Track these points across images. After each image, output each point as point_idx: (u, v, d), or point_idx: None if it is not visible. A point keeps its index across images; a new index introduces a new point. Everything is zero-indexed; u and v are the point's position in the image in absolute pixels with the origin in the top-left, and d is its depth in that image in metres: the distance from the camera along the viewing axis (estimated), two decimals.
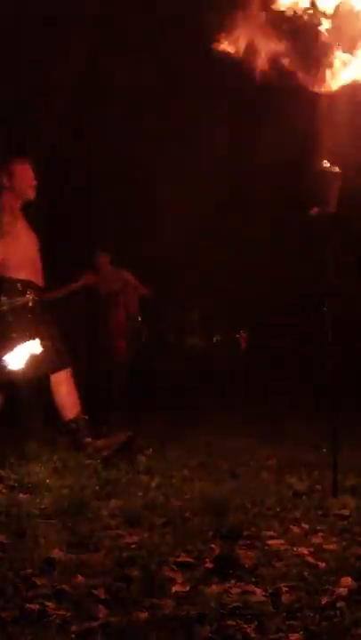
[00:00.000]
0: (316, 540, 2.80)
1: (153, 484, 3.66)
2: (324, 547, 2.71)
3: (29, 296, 4.72)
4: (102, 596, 2.21)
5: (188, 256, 9.91)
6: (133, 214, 10.30)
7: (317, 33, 3.96)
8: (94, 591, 2.24)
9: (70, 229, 9.56)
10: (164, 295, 10.02)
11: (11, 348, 4.48)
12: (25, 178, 4.80)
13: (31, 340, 4.51)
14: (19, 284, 4.70)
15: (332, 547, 2.71)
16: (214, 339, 11.67)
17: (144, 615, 2.08)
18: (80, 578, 2.37)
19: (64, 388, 4.75)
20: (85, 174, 10.08)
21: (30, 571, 2.42)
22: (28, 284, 4.74)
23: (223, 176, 10.49)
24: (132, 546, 2.71)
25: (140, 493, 3.50)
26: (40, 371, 4.64)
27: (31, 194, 4.83)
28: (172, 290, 10.74)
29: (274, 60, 4.06)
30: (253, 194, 10.66)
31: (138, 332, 8.06)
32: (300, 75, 4.04)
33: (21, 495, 3.53)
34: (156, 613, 2.09)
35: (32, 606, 2.15)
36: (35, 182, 4.83)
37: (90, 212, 10.16)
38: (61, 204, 9.60)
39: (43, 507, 3.26)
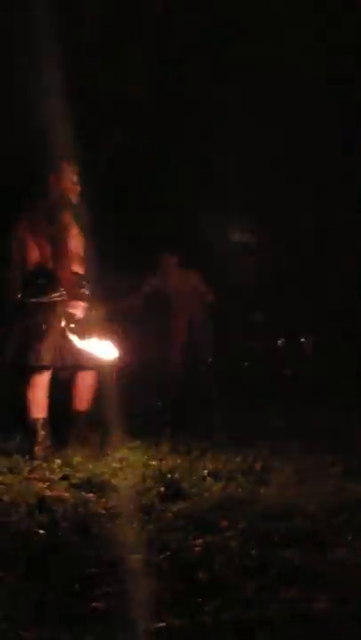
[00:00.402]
0: None
1: (217, 487, 3.65)
2: None
3: (84, 290, 4.89)
4: (167, 598, 2.22)
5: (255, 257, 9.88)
6: (200, 214, 10.34)
7: None
8: (159, 592, 2.26)
9: (140, 231, 9.69)
10: (227, 296, 10.11)
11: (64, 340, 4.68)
12: (68, 181, 4.99)
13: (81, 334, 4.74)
14: (77, 278, 4.87)
15: None
16: (279, 342, 11.59)
17: (208, 619, 2.08)
18: (145, 579, 2.39)
19: (86, 382, 4.93)
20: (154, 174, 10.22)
21: (96, 570, 2.45)
22: (83, 278, 4.90)
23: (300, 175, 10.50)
24: (197, 549, 2.71)
25: (206, 495, 3.50)
26: (70, 366, 4.81)
27: (74, 197, 5.02)
28: (237, 291, 10.77)
29: None
30: (331, 194, 10.60)
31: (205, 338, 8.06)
32: None
33: (88, 494, 3.58)
34: (220, 617, 2.09)
35: (98, 605, 2.17)
36: (78, 187, 5.02)
37: (160, 214, 10.27)
38: (130, 206, 9.75)
39: (109, 507, 3.30)
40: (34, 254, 4.84)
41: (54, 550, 2.66)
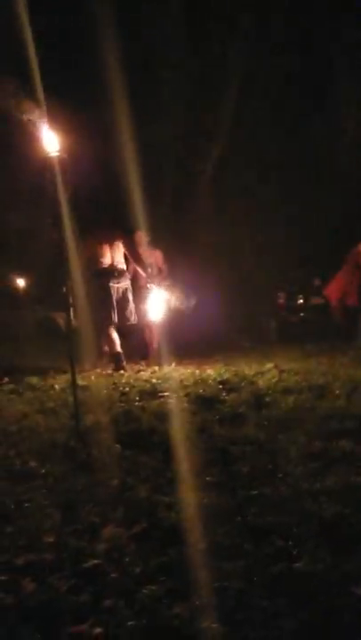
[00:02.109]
0: None
1: (290, 399, 3.98)
2: None
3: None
4: (252, 472, 2.61)
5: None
6: None
7: None
8: (247, 467, 2.66)
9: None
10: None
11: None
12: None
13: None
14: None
15: None
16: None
17: (283, 488, 2.43)
18: (238, 459, 2.79)
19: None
20: None
21: (205, 456, 2.84)
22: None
23: None
24: (280, 437, 3.10)
25: (282, 405, 3.85)
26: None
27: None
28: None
29: None
30: None
31: None
32: None
33: (199, 406, 3.93)
34: (293, 486, 2.44)
35: (202, 478, 2.55)
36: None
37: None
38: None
39: (216, 415, 3.68)
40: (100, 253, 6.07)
41: (171, 441, 3.09)
